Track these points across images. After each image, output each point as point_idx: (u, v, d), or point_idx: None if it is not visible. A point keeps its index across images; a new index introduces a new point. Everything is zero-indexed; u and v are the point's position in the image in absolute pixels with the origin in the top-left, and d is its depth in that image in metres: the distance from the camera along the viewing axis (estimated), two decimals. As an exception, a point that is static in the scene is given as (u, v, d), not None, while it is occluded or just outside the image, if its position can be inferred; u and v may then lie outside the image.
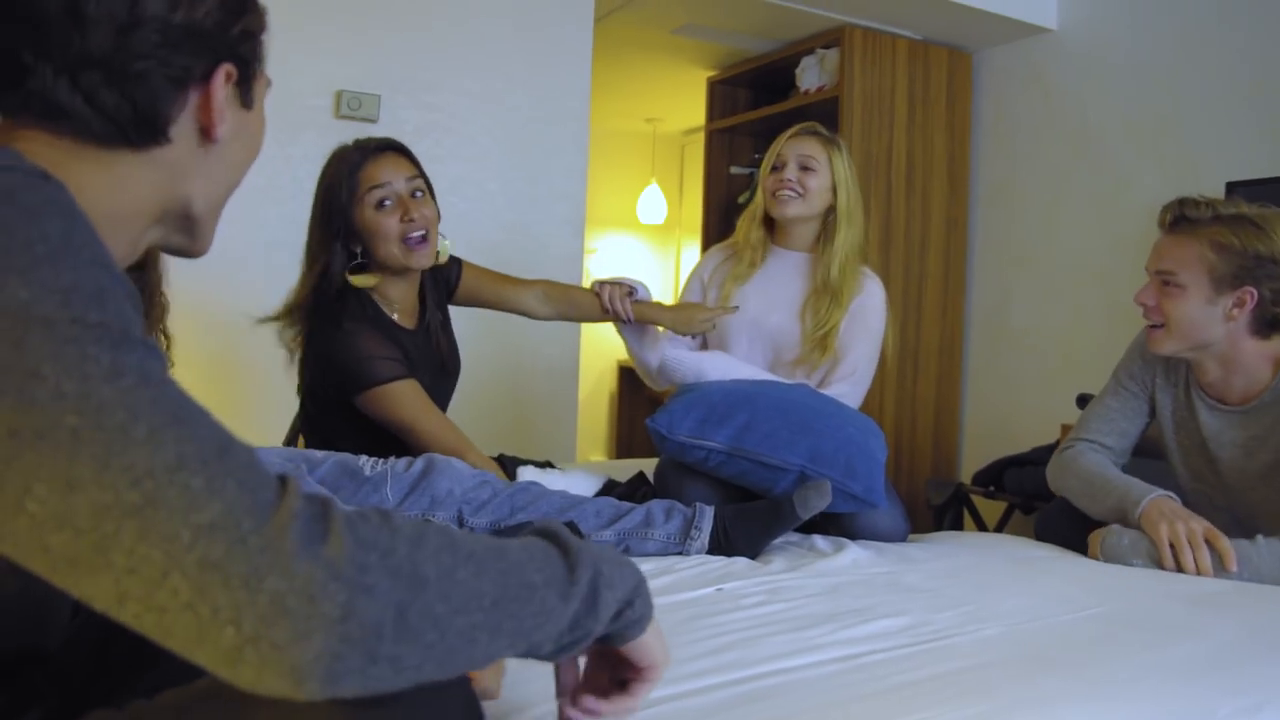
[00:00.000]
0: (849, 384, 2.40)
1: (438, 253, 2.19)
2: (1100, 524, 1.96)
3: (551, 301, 2.44)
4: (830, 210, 2.45)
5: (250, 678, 0.56)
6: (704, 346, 2.57)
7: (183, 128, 0.81)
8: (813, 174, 2.42)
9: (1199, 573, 1.75)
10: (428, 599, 0.60)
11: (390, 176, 2.07)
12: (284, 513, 0.58)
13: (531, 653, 0.71)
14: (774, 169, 2.47)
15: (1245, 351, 1.89)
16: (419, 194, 2.11)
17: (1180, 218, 1.88)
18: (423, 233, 2.08)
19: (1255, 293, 1.83)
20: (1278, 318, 1.85)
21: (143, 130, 0.78)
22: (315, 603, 0.56)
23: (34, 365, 0.57)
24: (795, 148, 2.46)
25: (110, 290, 0.62)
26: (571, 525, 1.71)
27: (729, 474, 2.01)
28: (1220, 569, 1.75)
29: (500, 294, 2.41)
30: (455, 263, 2.37)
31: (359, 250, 2.10)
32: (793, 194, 2.42)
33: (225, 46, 0.82)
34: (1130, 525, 1.88)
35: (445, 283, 2.35)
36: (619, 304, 2.36)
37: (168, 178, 0.81)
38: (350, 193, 2.06)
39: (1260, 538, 1.77)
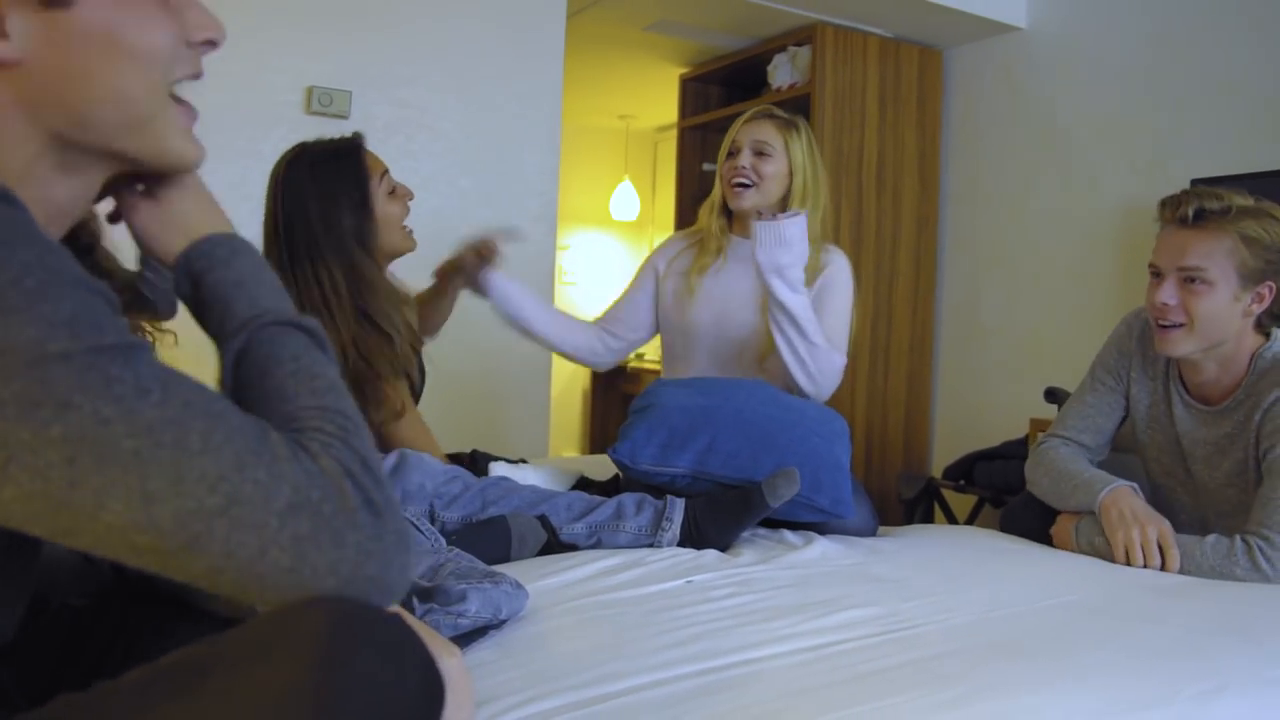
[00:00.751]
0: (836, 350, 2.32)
1: None
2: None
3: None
4: (788, 197, 2.39)
5: (340, 591, 0.67)
6: (662, 345, 2.56)
7: None
8: (768, 159, 2.35)
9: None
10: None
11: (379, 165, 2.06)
12: (335, 476, 0.69)
13: None
14: (729, 155, 2.41)
15: (1241, 349, 1.84)
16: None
17: (1201, 210, 1.77)
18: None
19: (1274, 287, 1.80)
20: (1278, 314, 1.83)
21: None
22: (382, 540, 0.69)
23: (65, 396, 0.60)
24: (750, 133, 2.38)
25: (100, 308, 0.65)
26: (543, 519, 1.72)
27: (696, 492, 2.00)
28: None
29: None
30: None
31: None
32: (747, 183, 2.35)
33: None
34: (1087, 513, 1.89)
35: None
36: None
37: (5, 119, 0.72)
38: (364, 183, 1.99)
39: (1211, 538, 1.74)
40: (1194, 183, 3.10)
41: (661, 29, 4.24)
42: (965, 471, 3.53)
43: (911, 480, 3.74)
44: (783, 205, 2.39)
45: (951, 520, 3.66)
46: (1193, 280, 1.78)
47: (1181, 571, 1.73)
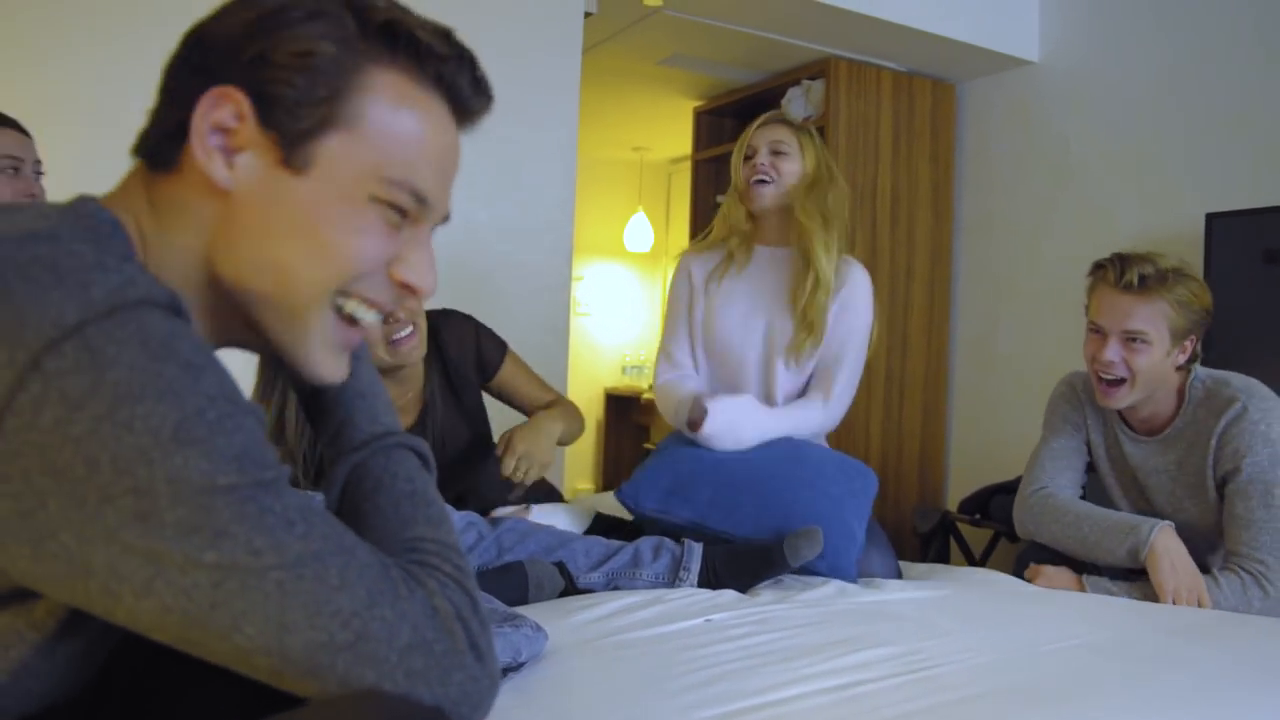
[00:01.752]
0: (841, 380, 2.34)
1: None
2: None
3: None
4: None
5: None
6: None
7: (191, 156, 0.74)
8: (785, 157, 2.37)
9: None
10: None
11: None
12: (449, 619, 0.72)
13: None
14: (746, 159, 2.42)
15: (1169, 387, 2.06)
16: None
17: (1144, 277, 1.97)
18: (409, 328, 1.95)
19: (1195, 338, 2.02)
20: (1197, 356, 2.06)
21: (150, 143, 0.76)
22: (479, 683, 0.72)
23: (223, 526, 0.63)
24: (765, 135, 2.40)
25: (260, 437, 0.67)
26: (560, 565, 1.71)
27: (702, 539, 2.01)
28: None
29: (530, 401, 2.32)
30: (498, 346, 2.27)
31: None
32: (767, 179, 2.36)
33: (232, 66, 0.74)
34: (1131, 559, 1.96)
35: (478, 363, 2.24)
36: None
37: (194, 223, 0.76)
38: None
39: (1216, 574, 1.92)
40: (1208, 217, 3.10)
41: (676, 63, 4.28)
42: (981, 505, 3.51)
43: (927, 514, 3.72)
44: (799, 199, 2.37)
45: (967, 554, 3.64)
46: (1134, 340, 1.99)
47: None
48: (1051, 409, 2.31)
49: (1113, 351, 2.01)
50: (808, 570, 1.90)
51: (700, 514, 1.98)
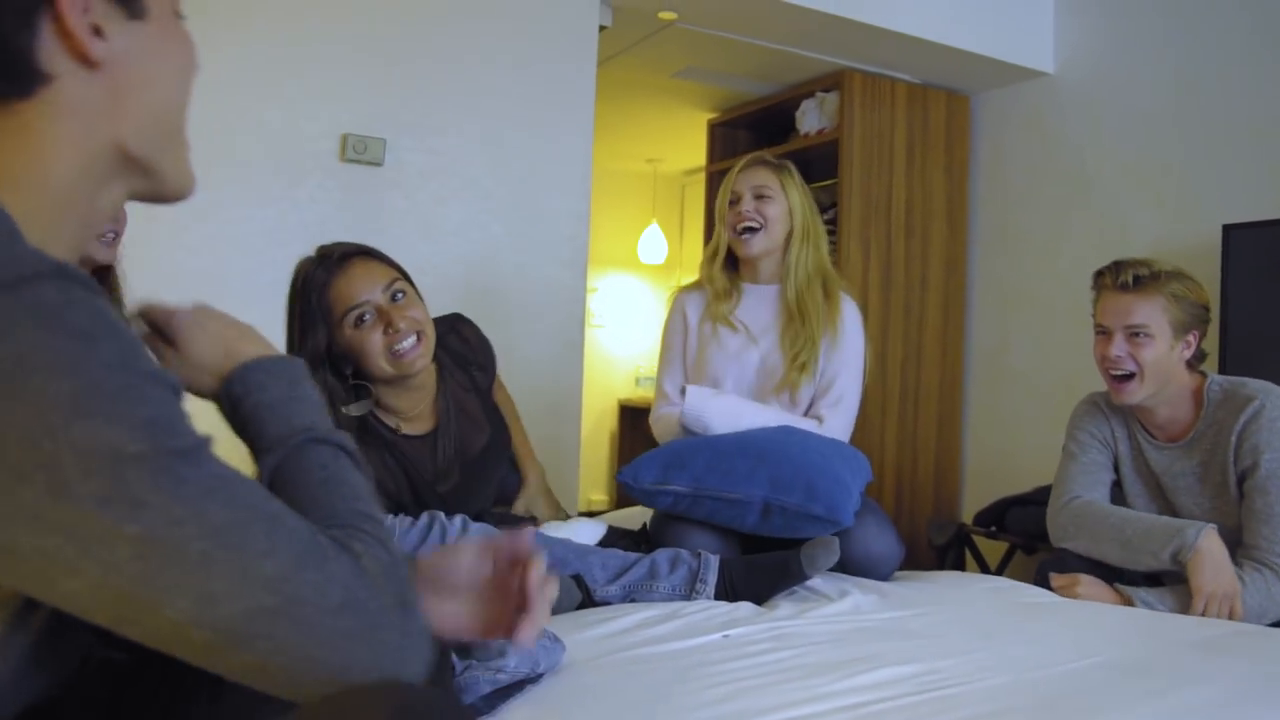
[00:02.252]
0: (836, 415, 2.38)
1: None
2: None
3: None
4: (790, 235, 2.45)
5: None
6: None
7: (57, 60, 0.74)
8: (769, 201, 2.42)
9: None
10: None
11: (364, 291, 1.92)
12: (375, 576, 0.72)
13: None
14: (731, 204, 2.47)
15: (1182, 388, 2.15)
16: (400, 296, 1.95)
17: (1138, 277, 2.11)
18: (412, 339, 1.93)
19: (1198, 334, 2.13)
20: (1203, 355, 2.17)
21: (10, 74, 0.73)
22: (412, 637, 0.72)
23: (139, 496, 0.63)
24: (748, 179, 2.46)
25: (173, 404, 0.67)
26: (578, 578, 1.72)
27: (700, 515, 2.09)
28: None
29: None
30: (485, 371, 2.24)
31: (349, 371, 1.97)
32: (754, 225, 2.41)
33: None
34: (1174, 562, 1.98)
35: (471, 379, 2.21)
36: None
37: (80, 123, 0.76)
38: (324, 318, 1.92)
39: (1245, 579, 1.95)
40: (1225, 228, 3.09)
41: (690, 75, 4.28)
42: (997, 517, 3.50)
43: (942, 526, 3.71)
44: (786, 244, 2.45)
45: (983, 567, 3.62)
46: (1137, 335, 2.11)
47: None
48: (1076, 426, 2.34)
49: (1118, 347, 2.12)
50: (808, 515, 1.98)
51: (697, 478, 2.06)
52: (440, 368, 2.12)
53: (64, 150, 0.75)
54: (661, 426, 2.44)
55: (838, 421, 2.37)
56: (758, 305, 2.48)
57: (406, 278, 2.01)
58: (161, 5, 0.81)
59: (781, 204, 2.43)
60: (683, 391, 2.36)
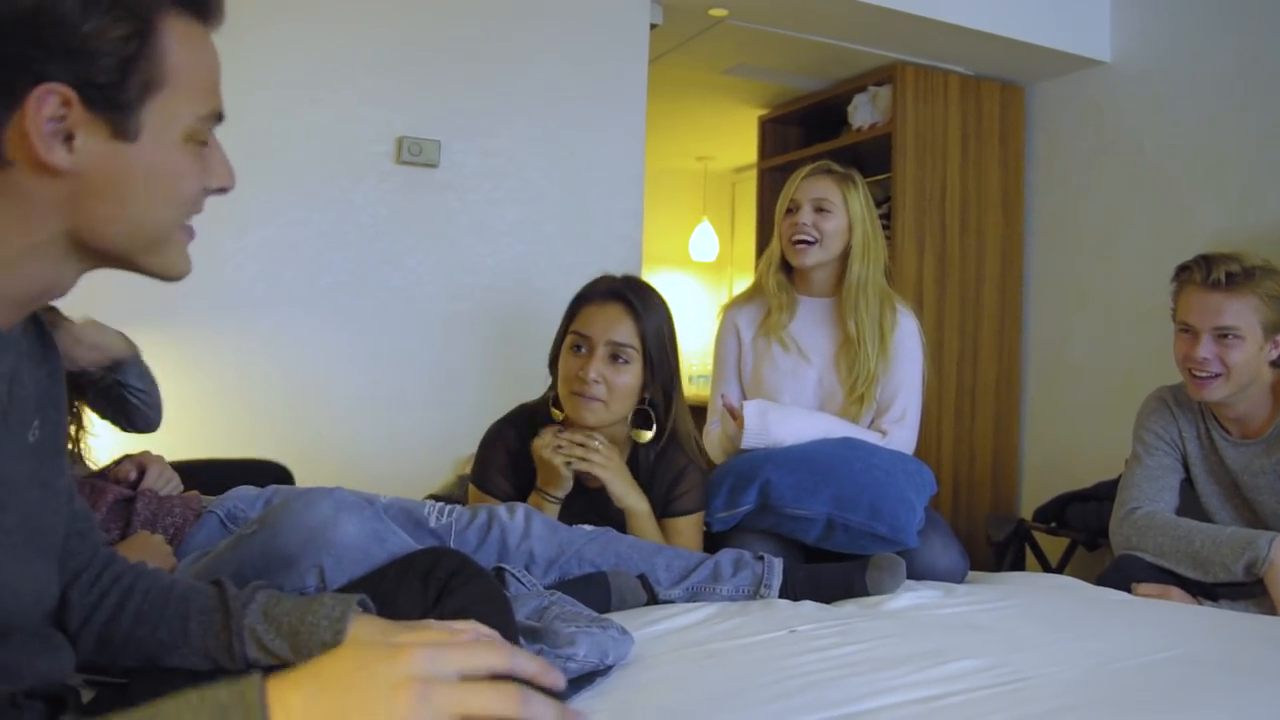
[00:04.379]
0: (901, 429, 2.34)
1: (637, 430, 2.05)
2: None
3: None
4: (848, 249, 2.37)
5: None
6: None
7: (16, 149, 0.77)
8: (828, 215, 2.34)
9: None
10: None
11: (595, 329, 1.98)
12: None
13: None
14: (788, 212, 2.40)
15: (1263, 384, 2.08)
16: (621, 360, 1.97)
17: (1230, 275, 2.01)
18: (593, 398, 1.96)
19: None
20: None
21: None
22: None
23: None
24: (809, 190, 2.37)
25: None
26: (642, 578, 1.72)
27: (764, 526, 2.09)
28: None
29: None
30: (695, 505, 2.11)
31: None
32: (809, 239, 2.34)
33: (46, 62, 0.76)
34: (1248, 573, 1.91)
35: (665, 500, 2.10)
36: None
37: (32, 210, 0.79)
38: (567, 325, 2.04)
39: None
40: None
41: (740, 72, 4.27)
42: (1057, 513, 3.46)
43: (1001, 522, 3.67)
44: (844, 261, 2.37)
45: (1044, 563, 3.58)
46: (1226, 336, 2.01)
47: None
48: (1142, 425, 2.26)
49: (1206, 349, 2.03)
50: (872, 535, 1.97)
51: (762, 494, 2.05)
52: (637, 459, 2.09)
53: (9, 224, 0.79)
54: (712, 441, 2.40)
55: (902, 435, 2.33)
56: (812, 320, 2.42)
57: (649, 349, 1.99)
58: (164, 132, 0.82)
59: (841, 219, 2.34)
60: (731, 411, 2.27)
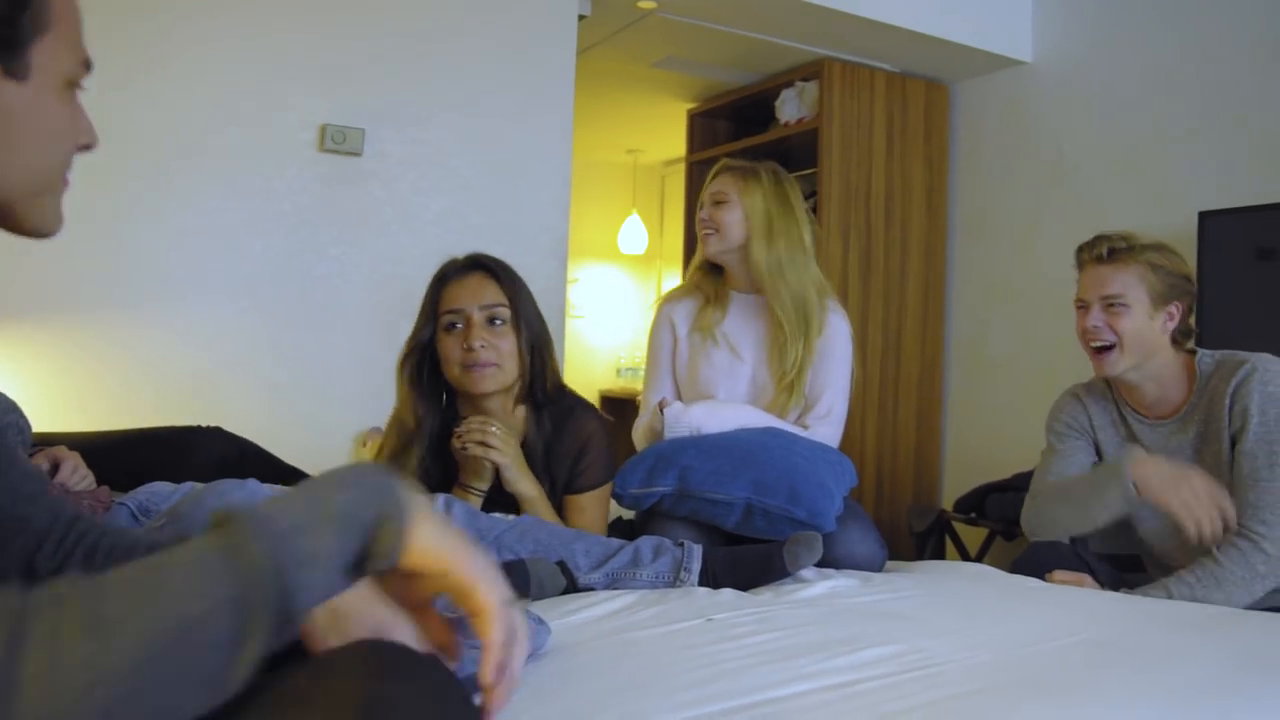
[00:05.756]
0: (825, 425, 2.38)
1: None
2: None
3: None
4: (749, 239, 2.43)
5: None
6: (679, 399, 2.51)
7: None
8: (724, 207, 2.43)
9: (1210, 537, 1.95)
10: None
11: (464, 301, 2.03)
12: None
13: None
14: (699, 210, 2.52)
15: (1168, 362, 2.14)
16: (497, 322, 2.04)
17: (1113, 249, 2.12)
18: (485, 363, 2.01)
19: (1181, 306, 2.12)
20: (1189, 330, 2.16)
21: None
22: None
23: None
24: (710, 188, 2.50)
25: None
26: (562, 564, 1.72)
27: (683, 512, 2.10)
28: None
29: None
30: (599, 477, 2.15)
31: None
32: (709, 232, 2.46)
33: None
34: (1128, 502, 2.02)
35: (569, 472, 2.14)
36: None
37: None
38: (433, 314, 2.07)
39: (1216, 552, 1.96)
40: (1201, 215, 3.12)
41: (669, 65, 4.28)
42: (977, 504, 3.53)
43: (923, 513, 3.73)
44: (746, 248, 2.43)
45: (963, 553, 3.65)
46: (1113, 305, 2.11)
47: (1219, 601, 1.89)
48: (1054, 418, 2.34)
49: (1095, 318, 2.13)
50: (790, 519, 1.99)
51: (681, 477, 2.07)
52: (534, 427, 2.12)
53: None
54: (640, 435, 2.44)
55: (825, 431, 2.37)
56: (745, 316, 2.47)
57: (519, 307, 2.06)
58: (48, 74, 0.81)
59: (736, 210, 2.42)
60: (660, 407, 2.32)
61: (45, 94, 0.81)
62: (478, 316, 2.02)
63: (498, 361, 2.02)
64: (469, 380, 2.03)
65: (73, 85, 0.85)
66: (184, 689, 0.56)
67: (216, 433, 2.47)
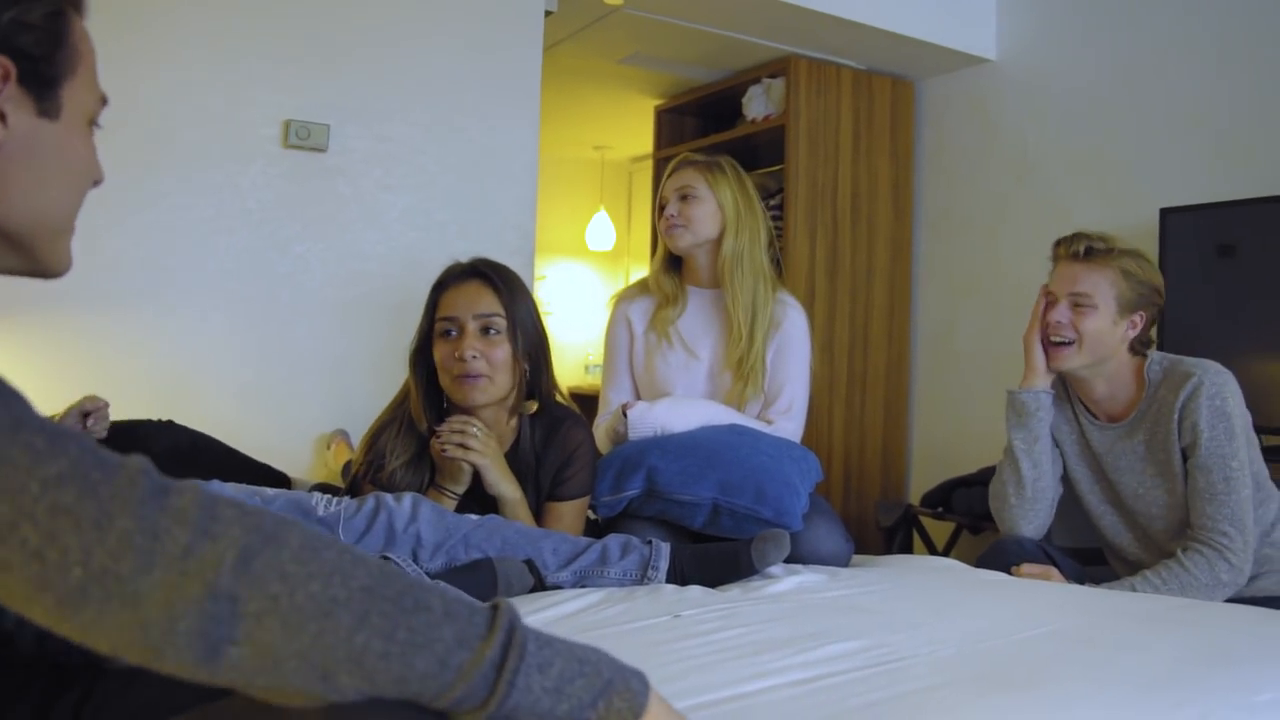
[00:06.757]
0: (787, 420, 2.39)
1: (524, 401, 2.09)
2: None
3: None
4: (722, 233, 2.42)
5: (91, 617, 0.57)
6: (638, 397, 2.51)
7: None
8: (694, 201, 2.41)
9: None
10: (279, 554, 0.61)
11: (460, 308, 2.01)
12: (131, 467, 0.61)
13: (410, 683, 0.64)
14: (661, 209, 2.49)
15: (1120, 367, 2.18)
16: (492, 332, 2.00)
17: (1090, 249, 2.14)
18: (476, 374, 1.99)
19: (1145, 316, 2.15)
20: (1149, 340, 2.20)
21: None
22: (159, 539, 0.58)
23: None
24: (673, 183, 2.47)
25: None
26: (529, 563, 1.71)
27: (651, 512, 2.11)
28: None
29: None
30: (580, 488, 2.11)
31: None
32: (678, 228, 2.42)
33: None
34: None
35: (554, 480, 2.10)
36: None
37: None
38: (431, 318, 2.06)
39: (1181, 555, 2.01)
40: (1162, 212, 3.15)
41: (636, 61, 4.28)
42: (944, 498, 3.55)
43: (890, 508, 3.75)
44: (718, 242, 2.42)
45: (930, 547, 3.67)
46: (1080, 304, 2.14)
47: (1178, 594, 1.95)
48: None
49: (1061, 313, 2.17)
50: (756, 518, 2.00)
51: (648, 479, 2.07)
52: (526, 435, 2.10)
53: None
54: (602, 436, 2.40)
55: (788, 426, 2.38)
56: (702, 313, 2.47)
57: (515, 316, 2.03)
58: (76, 112, 0.83)
59: (708, 203, 2.41)
60: (624, 410, 2.29)
61: (73, 132, 0.83)
62: (472, 325, 2.00)
63: (489, 373, 1.99)
64: (460, 391, 2.01)
65: (92, 123, 0.87)
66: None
67: (168, 425, 2.44)
